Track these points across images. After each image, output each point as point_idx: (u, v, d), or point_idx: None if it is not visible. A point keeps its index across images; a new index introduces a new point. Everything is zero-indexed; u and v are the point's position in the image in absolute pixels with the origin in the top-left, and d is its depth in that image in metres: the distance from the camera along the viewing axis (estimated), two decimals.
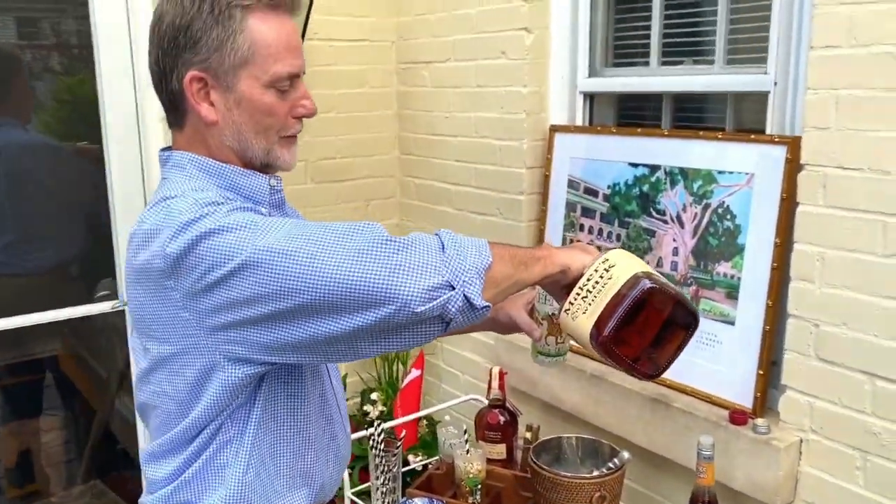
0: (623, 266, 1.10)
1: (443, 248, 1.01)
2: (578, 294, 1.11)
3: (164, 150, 1.20)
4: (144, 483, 1.22)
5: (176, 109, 1.15)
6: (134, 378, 1.22)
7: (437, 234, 1.05)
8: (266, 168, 1.18)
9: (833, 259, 1.44)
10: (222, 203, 1.06)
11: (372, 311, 0.98)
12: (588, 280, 1.10)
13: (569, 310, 1.13)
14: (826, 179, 1.44)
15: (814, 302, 1.48)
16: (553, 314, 1.42)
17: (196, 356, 1.08)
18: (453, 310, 0.99)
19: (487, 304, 1.01)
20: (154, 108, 2.06)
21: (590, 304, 1.09)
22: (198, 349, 1.08)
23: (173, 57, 1.10)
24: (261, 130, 1.14)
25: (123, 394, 2.43)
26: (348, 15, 2.36)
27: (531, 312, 1.43)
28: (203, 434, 1.13)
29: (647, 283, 1.07)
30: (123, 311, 2.17)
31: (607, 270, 1.10)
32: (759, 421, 1.56)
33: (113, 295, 2.20)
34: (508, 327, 1.39)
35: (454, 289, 0.99)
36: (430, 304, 0.97)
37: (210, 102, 1.12)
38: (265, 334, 1.04)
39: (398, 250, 0.99)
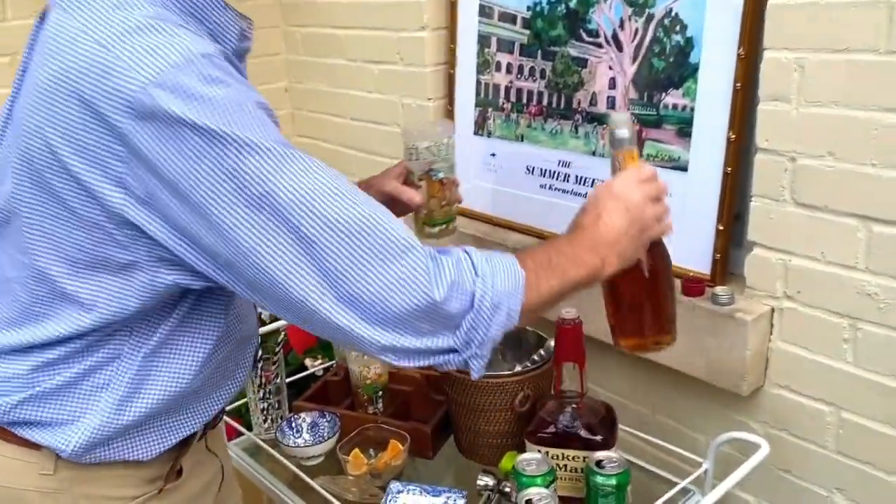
0: None
1: (472, 306, 0.82)
2: None
3: None
4: None
5: None
6: None
7: (471, 266, 0.84)
8: None
9: (816, 66, 1.06)
10: (224, 81, 0.76)
11: (343, 341, 0.81)
12: None
13: None
14: None
15: (790, 128, 1.11)
16: (431, 171, 1.11)
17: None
18: (442, 368, 0.85)
19: (483, 374, 0.86)
20: None
21: None
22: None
23: None
24: None
25: None
26: None
27: (405, 179, 1.17)
28: (87, 338, 0.86)
29: None
30: None
31: None
32: (720, 289, 1.22)
33: None
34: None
35: (457, 353, 0.84)
36: (419, 363, 0.83)
37: None
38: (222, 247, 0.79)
39: (429, 286, 0.79)
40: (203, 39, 0.79)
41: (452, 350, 0.83)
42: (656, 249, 1.01)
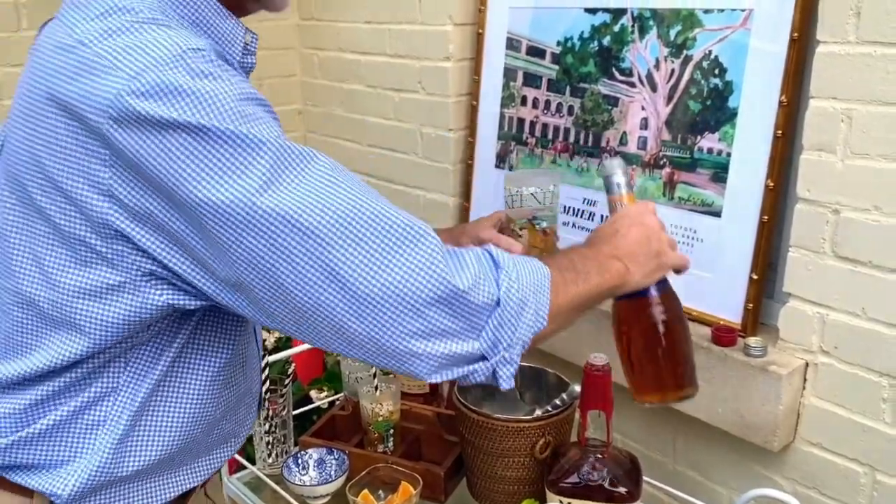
0: None
1: (498, 303, 0.76)
2: None
3: None
4: None
5: None
6: None
7: (492, 260, 0.79)
8: (253, 4, 0.85)
9: (866, 117, 1.04)
10: (213, 74, 0.70)
11: (364, 352, 0.75)
12: None
13: None
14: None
15: (834, 179, 1.08)
16: (534, 220, 1.08)
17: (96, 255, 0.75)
18: (472, 379, 0.78)
19: (513, 385, 0.80)
20: None
21: None
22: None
23: None
24: None
25: None
26: None
27: (502, 227, 1.12)
28: (79, 369, 0.79)
29: None
30: None
31: None
32: (753, 340, 1.19)
33: None
34: None
35: (485, 360, 0.77)
36: (447, 375, 0.76)
37: None
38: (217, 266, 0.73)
39: (449, 299, 0.73)
40: (193, 35, 0.73)
41: (479, 357, 0.76)
42: (667, 292, 0.97)
